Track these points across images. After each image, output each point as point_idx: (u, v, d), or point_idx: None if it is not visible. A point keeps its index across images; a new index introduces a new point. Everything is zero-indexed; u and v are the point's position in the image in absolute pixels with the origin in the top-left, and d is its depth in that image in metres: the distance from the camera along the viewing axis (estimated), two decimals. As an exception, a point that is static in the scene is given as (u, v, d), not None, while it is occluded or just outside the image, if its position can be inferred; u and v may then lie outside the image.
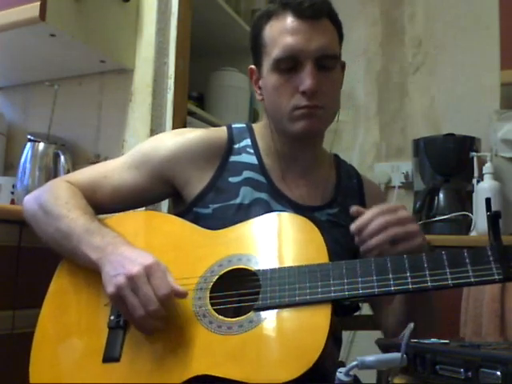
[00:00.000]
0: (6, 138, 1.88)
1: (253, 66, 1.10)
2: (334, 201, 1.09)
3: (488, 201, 0.83)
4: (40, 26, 1.46)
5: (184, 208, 1.05)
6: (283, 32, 1.01)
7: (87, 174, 1.09)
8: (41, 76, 1.80)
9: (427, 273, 0.80)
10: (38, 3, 1.43)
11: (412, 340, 0.70)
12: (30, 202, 1.04)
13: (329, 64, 1.02)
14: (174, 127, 1.68)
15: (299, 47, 0.99)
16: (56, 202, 0.99)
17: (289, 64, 1.00)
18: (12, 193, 1.64)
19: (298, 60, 1.00)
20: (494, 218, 0.80)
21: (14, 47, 1.64)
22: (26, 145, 1.63)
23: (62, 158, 1.59)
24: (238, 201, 1.02)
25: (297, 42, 0.99)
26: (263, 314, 0.82)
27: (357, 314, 1.12)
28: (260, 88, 1.09)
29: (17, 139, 1.87)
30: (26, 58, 1.73)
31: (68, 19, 1.53)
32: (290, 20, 1.01)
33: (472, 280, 0.78)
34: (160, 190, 1.07)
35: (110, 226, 0.97)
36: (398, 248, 0.86)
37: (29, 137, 1.64)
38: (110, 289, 0.83)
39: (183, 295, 0.85)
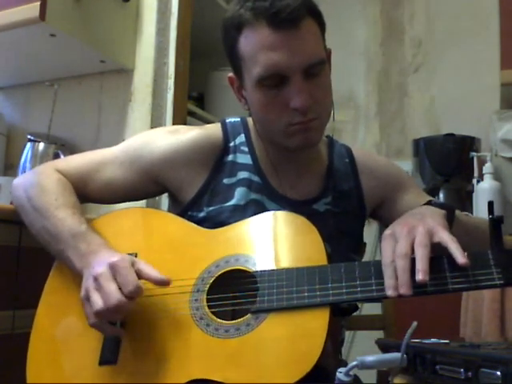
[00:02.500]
0: (6, 138, 1.88)
1: (232, 75, 1.02)
2: (326, 188, 1.06)
3: (491, 204, 0.82)
4: (40, 25, 1.46)
5: (179, 211, 1.03)
6: (262, 48, 0.90)
7: (79, 164, 1.06)
8: (41, 76, 1.80)
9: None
10: (38, 3, 1.44)
11: (412, 340, 0.70)
12: (18, 190, 1.02)
13: (317, 70, 0.92)
14: (174, 127, 1.68)
15: (282, 63, 0.89)
16: (45, 197, 0.97)
17: (274, 80, 0.91)
18: (12, 193, 1.64)
19: (284, 75, 0.90)
20: (496, 223, 0.80)
21: (14, 47, 1.64)
22: (26, 145, 1.63)
23: (62, 157, 1.59)
24: (233, 202, 0.99)
25: (279, 58, 0.89)
26: (260, 317, 0.81)
27: (356, 314, 1.12)
28: (244, 97, 1.00)
29: (17, 139, 1.87)
30: (26, 58, 1.73)
31: (68, 19, 1.53)
32: (266, 33, 0.89)
33: (472, 285, 0.77)
34: (151, 188, 1.06)
35: (100, 228, 0.96)
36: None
37: (29, 137, 1.65)
38: (81, 293, 0.84)
39: (165, 283, 0.84)
